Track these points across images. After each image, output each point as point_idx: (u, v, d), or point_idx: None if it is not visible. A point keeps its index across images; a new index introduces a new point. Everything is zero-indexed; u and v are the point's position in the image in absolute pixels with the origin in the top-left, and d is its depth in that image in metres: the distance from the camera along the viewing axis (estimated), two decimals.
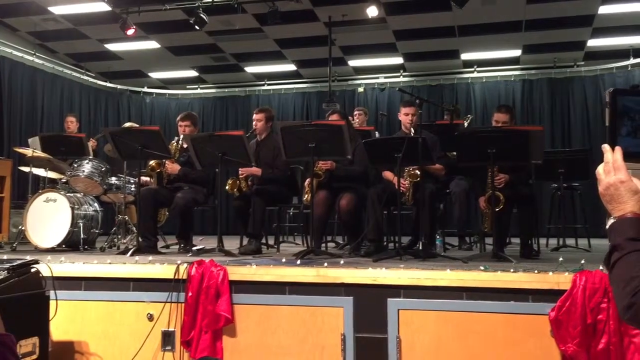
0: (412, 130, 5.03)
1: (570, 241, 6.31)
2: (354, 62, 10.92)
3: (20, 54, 9.58)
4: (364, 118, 7.68)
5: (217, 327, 3.57)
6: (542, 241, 6.10)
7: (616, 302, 1.29)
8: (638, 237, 1.28)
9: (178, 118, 5.69)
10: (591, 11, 8.41)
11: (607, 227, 1.35)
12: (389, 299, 3.39)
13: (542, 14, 8.52)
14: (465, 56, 10.51)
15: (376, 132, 7.00)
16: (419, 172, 4.66)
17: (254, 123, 5.63)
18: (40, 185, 6.21)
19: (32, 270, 3.30)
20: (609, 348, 2.97)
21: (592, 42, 9.63)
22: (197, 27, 8.23)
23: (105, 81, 11.89)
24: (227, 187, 5.34)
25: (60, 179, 5.89)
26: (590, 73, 10.32)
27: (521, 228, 4.78)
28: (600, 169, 1.37)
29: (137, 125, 6.55)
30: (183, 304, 3.62)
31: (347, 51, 10.24)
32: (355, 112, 7.75)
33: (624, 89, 1.39)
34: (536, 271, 3.30)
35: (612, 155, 1.35)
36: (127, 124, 6.28)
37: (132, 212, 6.44)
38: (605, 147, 1.36)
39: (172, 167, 5.41)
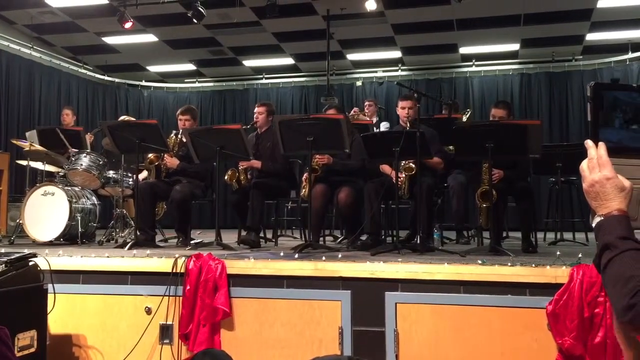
0: (408, 124, 5.02)
1: (568, 235, 6.32)
2: (352, 56, 10.90)
3: (17, 47, 9.55)
4: (374, 109, 7.64)
5: (215, 321, 3.57)
6: (540, 235, 6.11)
7: (612, 303, 1.22)
8: (629, 235, 1.24)
9: (178, 112, 5.67)
10: (590, 5, 8.40)
11: (594, 225, 1.31)
12: (386, 293, 3.40)
13: (540, 8, 8.51)
14: (463, 50, 10.50)
15: (374, 127, 6.98)
16: (414, 166, 4.66)
17: (255, 116, 5.62)
18: (38, 178, 6.20)
19: (30, 263, 3.30)
20: (605, 342, 2.97)
21: (591, 36, 9.62)
22: (195, 20, 8.21)
23: (103, 74, 11.85)
24: (226, 178, 5.34)
25: (58, 172, 5.88)
26: (588, 67, 10.32)
27: (521, 222, 4.79)
28: (584, 165, 1.32)
29: (133, 119, 6.53)
30: (181, 298, 3.63)
31: (345, 45, 10.22)
32: (366, 103, 7.73)
33: (606, 83, 1.36)
34: (534, 265, 3.31)
35: (596, 151, 1.30)
36: (123, 117, 6.26)
37: (130, 205, 6.43)
38: (589, 143, 1.32)
39: (171, 162, 5.40)
